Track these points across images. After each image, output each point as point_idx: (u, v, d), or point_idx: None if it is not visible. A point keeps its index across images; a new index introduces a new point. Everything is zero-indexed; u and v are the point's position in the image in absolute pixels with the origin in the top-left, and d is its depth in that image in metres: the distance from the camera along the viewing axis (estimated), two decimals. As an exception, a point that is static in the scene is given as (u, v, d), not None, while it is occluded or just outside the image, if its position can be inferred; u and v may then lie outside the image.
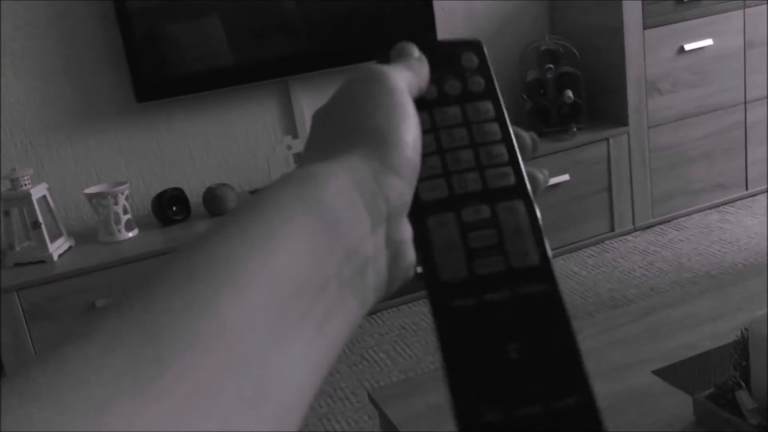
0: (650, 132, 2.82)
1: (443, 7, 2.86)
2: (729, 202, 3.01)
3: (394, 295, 0.32)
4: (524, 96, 2.84)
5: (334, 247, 0.27)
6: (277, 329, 0.23)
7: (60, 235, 2.40)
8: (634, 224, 2.88)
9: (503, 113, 0.35)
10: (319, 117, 0.33)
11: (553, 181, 2.68)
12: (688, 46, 2.78)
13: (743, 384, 0.99)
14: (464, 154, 0.34)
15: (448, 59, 0.36)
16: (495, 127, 0.34)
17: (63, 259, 2.33)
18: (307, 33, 2.65)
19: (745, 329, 1.01)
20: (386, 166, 0.30)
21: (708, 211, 2.97)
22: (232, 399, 0.21)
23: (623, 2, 2.67)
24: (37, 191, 2.32)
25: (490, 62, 0.36)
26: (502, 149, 0.34)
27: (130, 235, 2.42)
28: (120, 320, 0.21)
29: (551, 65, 2.79)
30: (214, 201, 2.49)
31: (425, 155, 0.33)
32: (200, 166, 2.72)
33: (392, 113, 0.31)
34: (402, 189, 0.30)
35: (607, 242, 2.83)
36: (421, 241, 0.32)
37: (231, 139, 2.73)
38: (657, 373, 1.15)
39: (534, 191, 0.33)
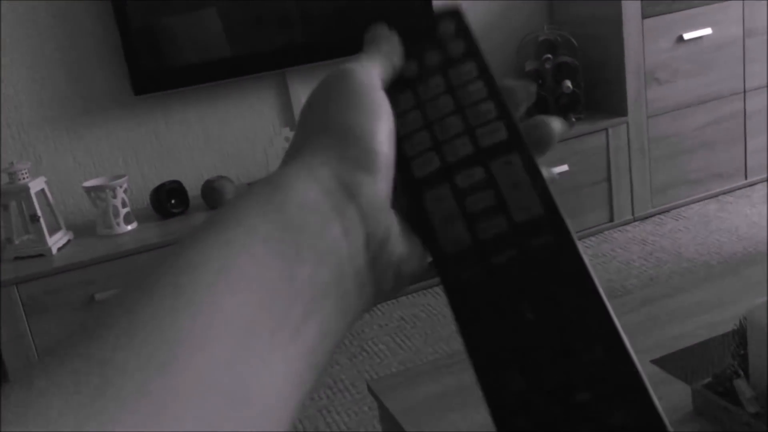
0: (649, 122, 2.81)
1: (441, -3, 2.85)
2: (728, 192, 3.00)
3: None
4: (523, 86, 2.83)
5: (302, 255, 0.26)
6: (248, 341, 0.23)
7: (59, 228, 2.40)
8: (633, 214, 2.87)
9: (488, 70, 0.33)
10: (299, 118, 0.33)
11: (552, 171, 2.67)
12: (687, 36, 2.78)
13: (741, 373, 0.99)
14: (452, 121, 0.32)
15: (426, 32, 0.35)
16: (479, 84, 0.33)
17: (62, 252, 2.33)
18: (304, 25, 2.64)
19: (744, 318, 1.01)
20: (356, 165, 0.29)
21: (707, 201, 2.97)
22: (210, 408, 0.21)
23: (622, -9, 2.66)
24: (36, 185, 2.32)
25: (468, 24, 0.35)
26: (489, 105, 0.32)
27: (129, 228, 2.42)
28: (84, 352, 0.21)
29: (549, 55, 2.79)
30: (212, 193, 2.49)
31: (414, 133, 0.32)
32: (198, 158, 2.71)
33: (359, 111, 0.30)
34: (376, 185, 0.29)
35: (606, 232, 2.83)
36: (421, 220, 0.31)
37: (229, 132, 2.73)
38: (655, 362, 1.16)
39: (545, 141, 0.32)
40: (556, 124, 0.33)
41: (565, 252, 0.28)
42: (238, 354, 0.23)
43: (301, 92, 2.75)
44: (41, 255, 2.30)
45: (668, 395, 1.07)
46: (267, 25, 2.58)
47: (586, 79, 2.82)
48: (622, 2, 2.67)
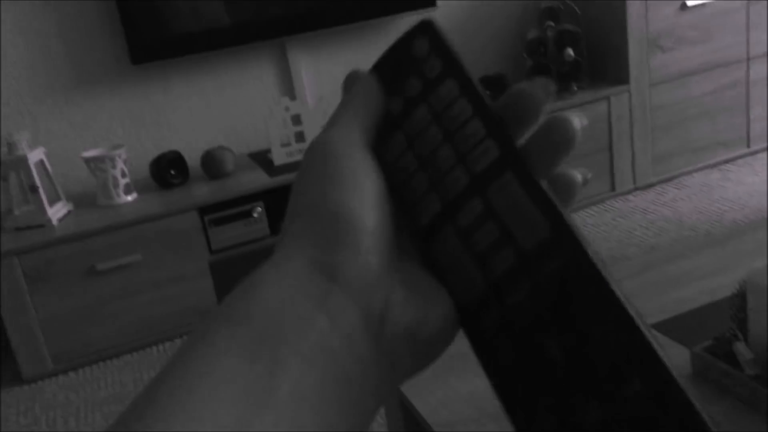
0: (651, 90, 2.79)
1: (442, -36, 2.82)
2: (730, 161, 2.99)
3: None
4: (524, 54, 2.80)
5: (282, 365, 0.24)
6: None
7: (58, 199, 2.40)
8: (634, 183, 2.86)
9: (471, 83, 0.30)
10: (290, 195, 0.31)
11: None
12: (690, 2, 2.74)
13: (741, 336, 0.99)
14: (442, 153, 0.29)
15: (402, 59, 0.32)
16: (463, 103, 0.30)
17: (62, 223, 2.33)
18: (303, -8, 2.61)
19: (744, 282, 1.01)
20: (334, 245, 0.27)
21: (709, 170, 2.96)
22: None
23: (625, -43, 2.62)
24: (34, 155, 2.31)
25: (444, 37, 0.31)
26: (476, 124, 0.29)
27: (129, 198, 2.42)
28: None
29: (552, 23, 2.76)
30: (212, 164, 2.48)
31: (411, 177, 0.30)
32: (198, 128, 2.70)
33: (335, 186, 0.28)
34: (360, 259, 0.27)
35: (607, 202, 2.83)
36: (434, 270, 0.29)
37: (229, 101, 2.71)
38: (655, 326, 1.15)
39: (570, 194, 0.28)
40: (576, 122, 0.28)
41: (583, 270, 0.25)
42: None
43: (301, 61, 2.73)
44: (41, 226, 2.30)
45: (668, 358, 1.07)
46: (265, -7, 2.55)
47: (589, 46, 2.80)
48: (625, -32, 2.63)
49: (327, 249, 0.27)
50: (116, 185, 2.39)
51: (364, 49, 2.81)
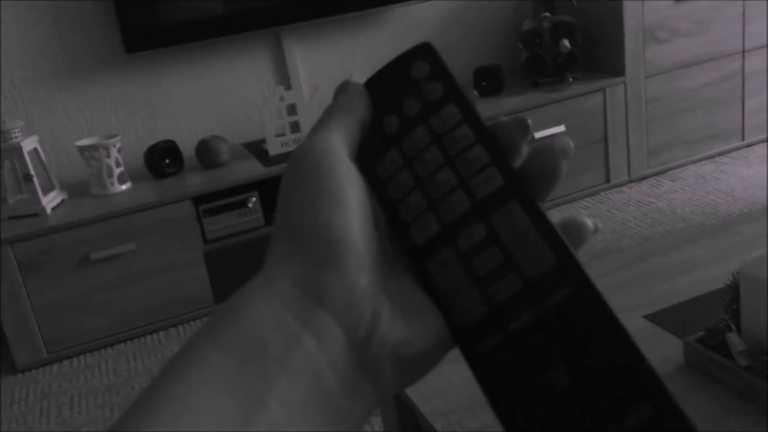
0: (647, 82, 2.79)
1: (438, -46, 2.81)
2: (725, 153, 2.99)
3: None
4: (520, 46, 2.80)
5: (271, 381, 0.24)
6: None
7: (52, 188, 2.39)
8: (629, 175, 2.87)
9: (472, 110, 0.30)
10: (277, 209, 0.30)
11: (548, 132, 2.66)
12: (686, -6, 2.74)
13: (733, 326, 0.99)
14: (442, 175, 0.30)
15: (399, 79, 0.32)
16: (466, 129, 0.30)
17: (56, 212, 2.32)
18: (299, -19, 2.60)
19: (737, 273, 1.01)
20: (318, 265, 0.27)
21: (704, 162, 2.96)
22: None
23: (621, -52, 2.62)
24: (28, 144, 2.30)
25: (443, 61, 0.32)
26: (479, 151, 0.29)
27: (123, 187, 2.41)
28: None
29: (547, 14, 2.75)
30: (207, 153, 2.47)
31: (406, 196, 0.30)
32: (192, 117, 2.69)
33: (317, 203, 0.28)
34: (346, 278, 0.26)
35: (602, 194, 2.83)
36: (431, 291, 0.29)
37: (223, 90, 2.70)
38: (648, 317, 1.16)
39: (581, 240, 0.29)
40: (564, 143, 0.29)
41: (589, 303, 0.26)
42: None
43: (295, 50, 2.72)
44: (35, 214, 2.29)
45: (660, 349, 1.07)
46: (261, -19, 2.53)
47: (584, 38, 2.80)
48: (622, -41, 2.63)
49: (313, 270, 0.27)
50: (110, 174, 2.38)
51: (360, 39, 2.80)
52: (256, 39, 2.68)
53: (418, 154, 0.30)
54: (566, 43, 2.68)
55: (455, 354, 0.29)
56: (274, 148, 2.49)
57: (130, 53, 2.45)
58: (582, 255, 2.50)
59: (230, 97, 2.72)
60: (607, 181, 2.84)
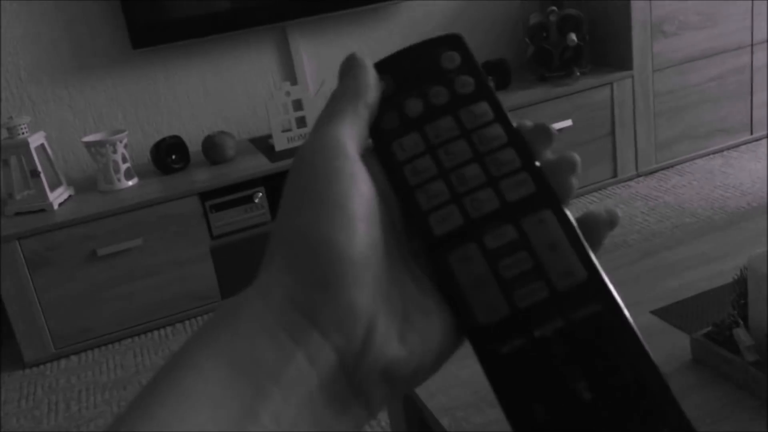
0: (654, 76, 2.78)
1: (444, -52, 2.80)
2: (733, 147, 2.98)
3: None
4: (527, 40, 2.79)
5: (264, 392, 0.24)
6: None
7: (59, 184, 2.39)
8: (636, 170, 2.85)
9: (503, 111, 0.30)
10: (277, 213, 0.29)
11: (555, 126, 2.65)
12: (694, -13, 2.72)
13: (741, 322, 0.98)
14: (470, 170, 0.29)
15: (427, 64, 0.31)
16: (498, 129, 0.30)
17: (63, 208, 2.33)
18: (304, -24, 2.59)
19: (744, 268, 1.00)
20: (313, 283, 0.26)
21: (711, 156, 2.94)
22: None
23: (628, -59, 2.60)
24: (35, 140, 2.31)
25: (475, 56, 0.31)
26: (511, 154, 0.29)
27: (130, 183, 2.41)
28: None
29: (554, 7, 2.74)
30: (213, 149, 2.47)
31: (427, 183, 0.29)
32: (198, 113, 2.69)
33: (318, 211, 0.27)
34: (341, 297, 0.26)
35: (609, 188, 2.82)
36: (447, 283, 0.28)
37: (229, 86, 2.70)
38: (655, 312, 1.15)
39: (600, 237, 0.28)
40: (571, 159, 0.29)
41: (615, 323, 0.26)
42: None
43: (301, 46, 2.72)
44: (42, 210, 2.30)
45: (667, 345, 1.07)
46: (266, -24, 2.53)
47: (591, 31, 2.78)
48: (629, -48, 2.61)
49: (308, 289, 0.26)
50: (117, 170, 2.39)
51: (366, 34, 2.80)
52: (262, 34, 2.68)
53: (443, 144, 0.30)
54: (573, 36, 2.67)
55: (461, 350, 0.29)
56: (280, 143, 2.49)
57: (136, 49, 2.46)
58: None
59: (236, 92, 2.72)
60: (615, 175, 2.83)
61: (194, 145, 2.62)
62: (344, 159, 0.28)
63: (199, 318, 2.39)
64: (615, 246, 2.37)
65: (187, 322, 2.38)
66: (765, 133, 3.00)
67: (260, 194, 2.39)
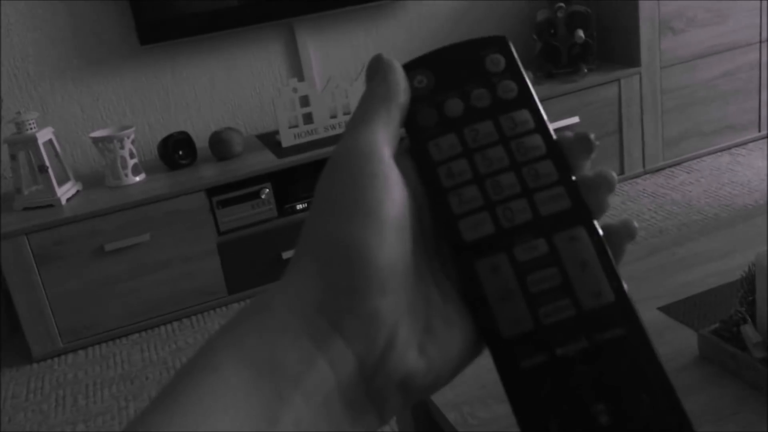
0: (662, 72, 2.77)
1: (451, -56, 2.80)
2: (741, 144, 2.97)
3: None
4: (534, 36, 2.78)
5: (285, 398, 0.24)
6: None
7: (67, 179, 2.40)
8: (644, 167, 2.85)
9: (545, 121, 0.30)
10: (307, 216, 0.29)
11: (562, 123, 2.64)
12: (702, -17, 2.71)
13: (749, 318, 0.98)
14: (506, 179, 0.29)
15: (470, 64, 0.31)
16: (537, 139, 0.29)
17: (71, 203, 2.34)
18: (312, -28, 2.59)
19: (753, 264, 1.00)
20: (340, 291, 0.26)
21: (719, 153, 2.93)
22: None
23: (637, -63, 2.59)
24: (43, 135, 2.31)
25: (519, 61, 0.31)
26: (549, 166, 0.29)
27: (137, 179, 2.42)
28: None
29: (562, 4, 2.73)
30: (220, 144, 2.48)
31: (461, 187, 0.29)
32: (206, 109, 2.70)
33: (352, 221, 0.27)
34: (367, 305, 0.26)
35: (616, 185, 2.81)
36: (471, 290, 0.28)
37: (236, 82, 2.71)
38: (663, 309, 1.15)
39: (621, 251, 0.28)
40: (609, 176, 0.29)
41: (639, 349, 0.26)
42: None
43: (308, 42, 2.72)
44: (50, 205, 2.31)
45: (674, 341, 1.07)
46: (274, -28, 2.53)
47: (599, 28, 2.77)
48: (637, -51, 2.60)
49: (335, 293, 0.26)
50: (124, 165, 2.39)
51: (373, 31, 2.79)
52: (269, 30, 2.68)
53: (481, 149, 0.29)
54: (581, 33, 2.66)
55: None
56: (287, 139, 2.49)
57: (144, 45, 2.46)
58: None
59: (243, 88, 2.72)
60: (622, 172, 2.82)
61: (201, 140, 2.62)
62: (378, 163, 0.28)
63: (206, 313, 2.40)
64: (622, 243, 2.36)
65: (194, 318, 2.39)
66: (773, 130, 2.99)
67: (267, 190, 2.39)
